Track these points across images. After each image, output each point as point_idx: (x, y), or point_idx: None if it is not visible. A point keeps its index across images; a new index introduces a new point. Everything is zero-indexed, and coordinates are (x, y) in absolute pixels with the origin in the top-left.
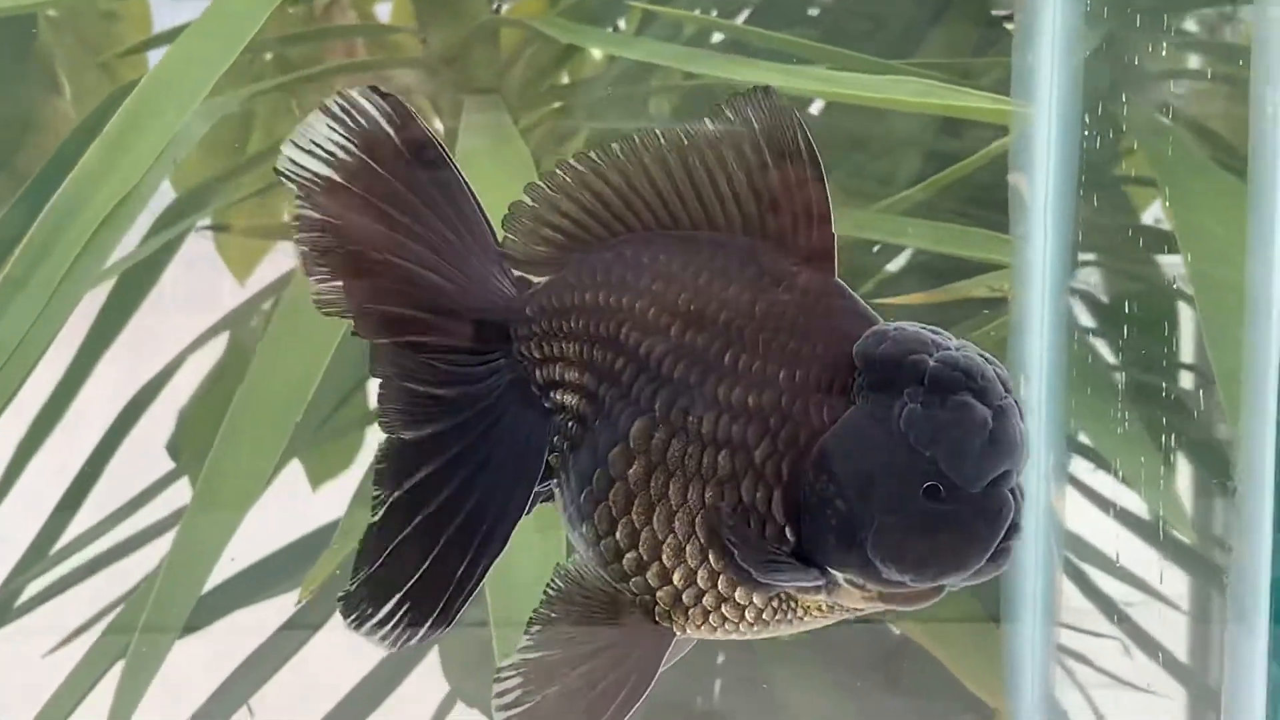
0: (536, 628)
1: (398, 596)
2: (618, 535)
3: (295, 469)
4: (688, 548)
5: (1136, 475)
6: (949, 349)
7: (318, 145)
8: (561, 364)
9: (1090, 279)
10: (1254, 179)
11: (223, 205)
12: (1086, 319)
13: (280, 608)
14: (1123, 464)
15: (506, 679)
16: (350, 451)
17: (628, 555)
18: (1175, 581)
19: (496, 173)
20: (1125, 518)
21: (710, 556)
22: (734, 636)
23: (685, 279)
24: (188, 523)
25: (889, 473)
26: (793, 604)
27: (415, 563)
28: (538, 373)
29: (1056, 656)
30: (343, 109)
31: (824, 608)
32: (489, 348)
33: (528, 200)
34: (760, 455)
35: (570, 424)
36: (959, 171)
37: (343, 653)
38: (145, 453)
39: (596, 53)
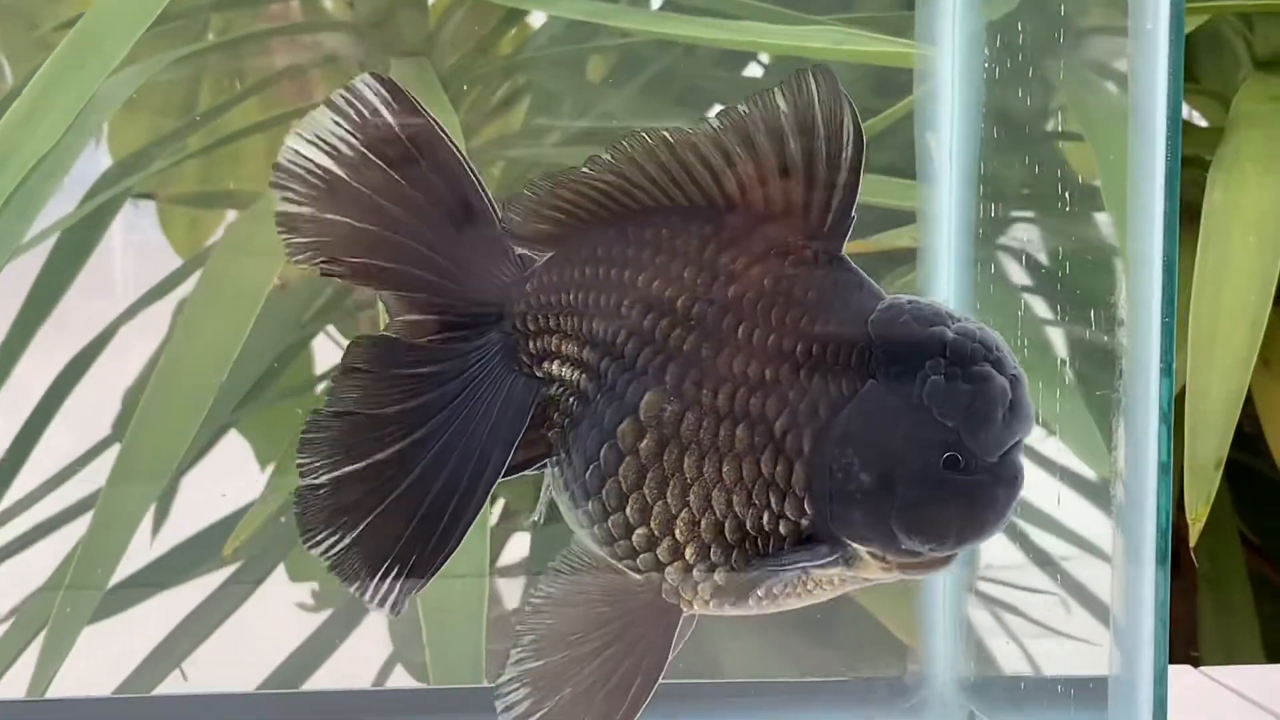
0: (530, 637)
1: (388, 561)
2: (628, 510)
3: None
4: (702, 521)
5: (1063, 428)
6: (962, 322)
7: (321, 139)
8: (558, 336)
9: (1026, 236)
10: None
11: (161, 173)
12: (1023, 277)
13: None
14: (1050, 418)
15: (510, 692)
16: (290, 420)
17: (638, 531)
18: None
19: None
20: (1061, 473)
21: (726, 532)
22: (742, 612)
23: (690, 253)
24: (106, 495)
25: (913, 444)
26: (804, 578)
27: (400, 527)
28: (530, 344)
29: (968, 593)
30: (346, 100)
31: (836, 580)
32: (483, 324)
33: (529, 186)
34: (780, 428)
35: (570, 399)
36: (879, 123)
37: (281, 615)
38: (92, 432)
39: (529, 15)
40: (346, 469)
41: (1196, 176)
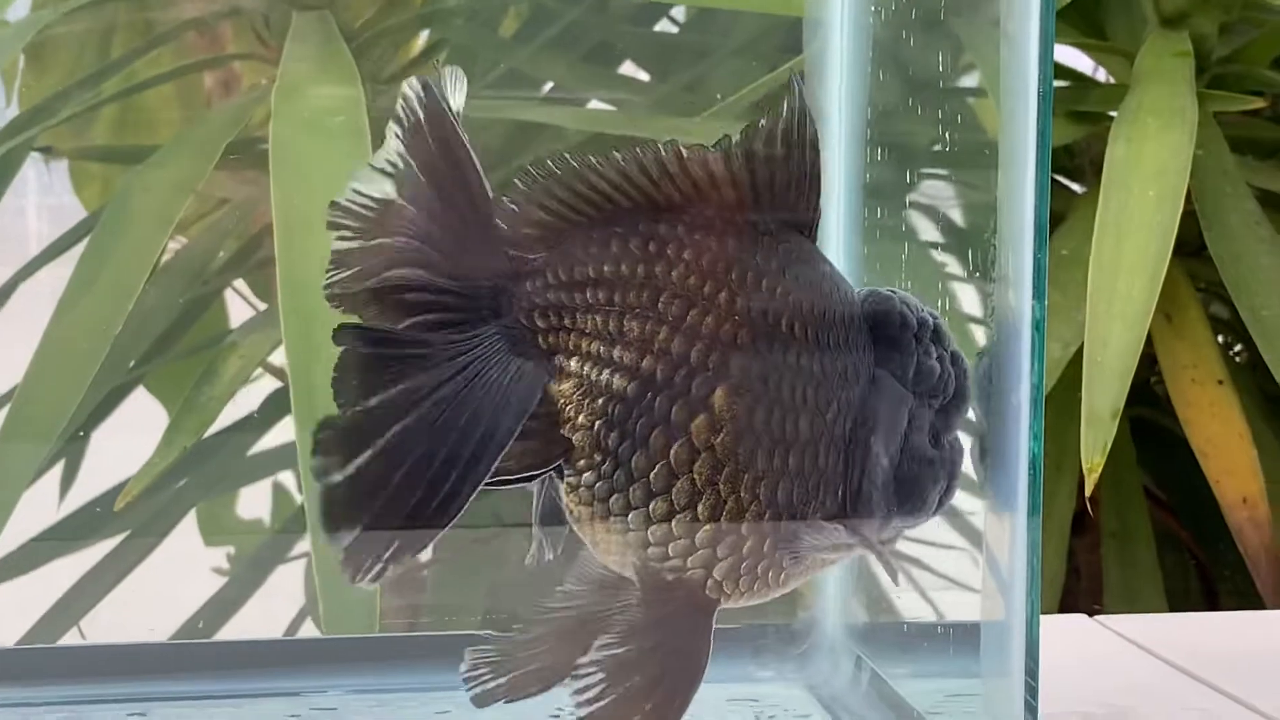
0: (616, 630)
1: (393, 544)
2: (699, 507)
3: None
4: (767, 514)
5: None
6: (927, 307)
7: (391, 163)
8: (577, 334)
9: (932, 193)
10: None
11: (71, 132)
12: (932, 233)
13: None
14: None
15: (588, 675)
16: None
17: (704, 530)
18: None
19: (322, 92)
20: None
21: (782, 523)
22: (762, 599)
23: (713, 248)
24: None
25: (914, 425)
26: (816, 559)
27: (402, 510)
28: (541, 340)
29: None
30: (405, 110)
31: (827, 560)
32: (478, 316)
33: (522, 180)
34: (831, 417)
35: (602, 399)
36: (769, 83)
37: (181, 571)
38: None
39: None
40: (358, 461)
41: (1101, 132)
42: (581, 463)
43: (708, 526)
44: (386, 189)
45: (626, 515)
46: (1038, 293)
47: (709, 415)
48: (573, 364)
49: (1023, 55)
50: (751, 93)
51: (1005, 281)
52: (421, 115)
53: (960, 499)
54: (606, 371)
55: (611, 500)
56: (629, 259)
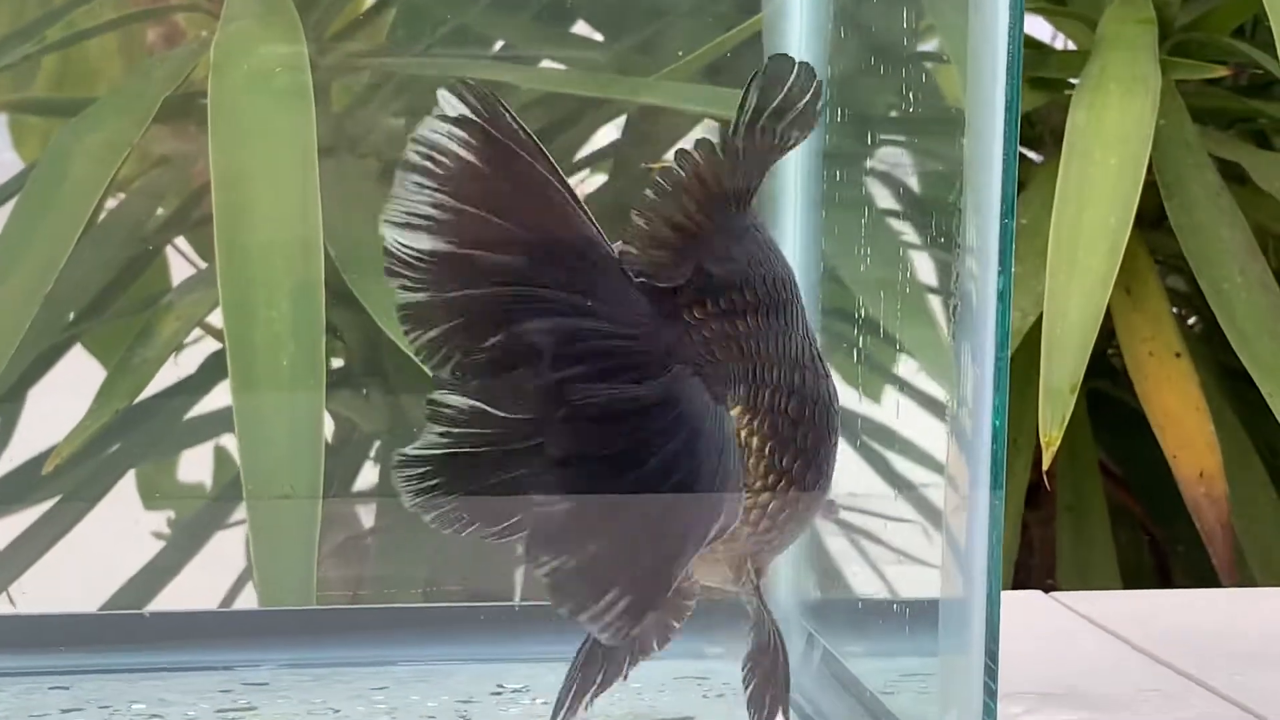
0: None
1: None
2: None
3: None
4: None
5: (917, 349)
6: None
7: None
8: (746, 360)
9: (893, 160)
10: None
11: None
12: (888, 201)
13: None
14: (898, 333)
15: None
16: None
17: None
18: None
19: (264, 48)
20: (920, 398)
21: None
22: None
23: (771, 244)
24: None
25: None
26: None
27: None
28: (714, 371)
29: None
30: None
31: None
32: (659, 359)
33: (641, 208)
34: (835, 404)
35: (776, 423)
36: (728, 42)
37: (117, 535)
38: None
39: None
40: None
41: (1061, 100)
42: (758, 484)
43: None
44: (437, 241)
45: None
46: (1003, 265)
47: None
48: (741, 390)
49: (990, 18)
50: (709, 52)
51: (969, 252)
52: (484, 141)
53: (918, 472)
54: (768, 392)
55: (782, 517)
56: (755, 272)
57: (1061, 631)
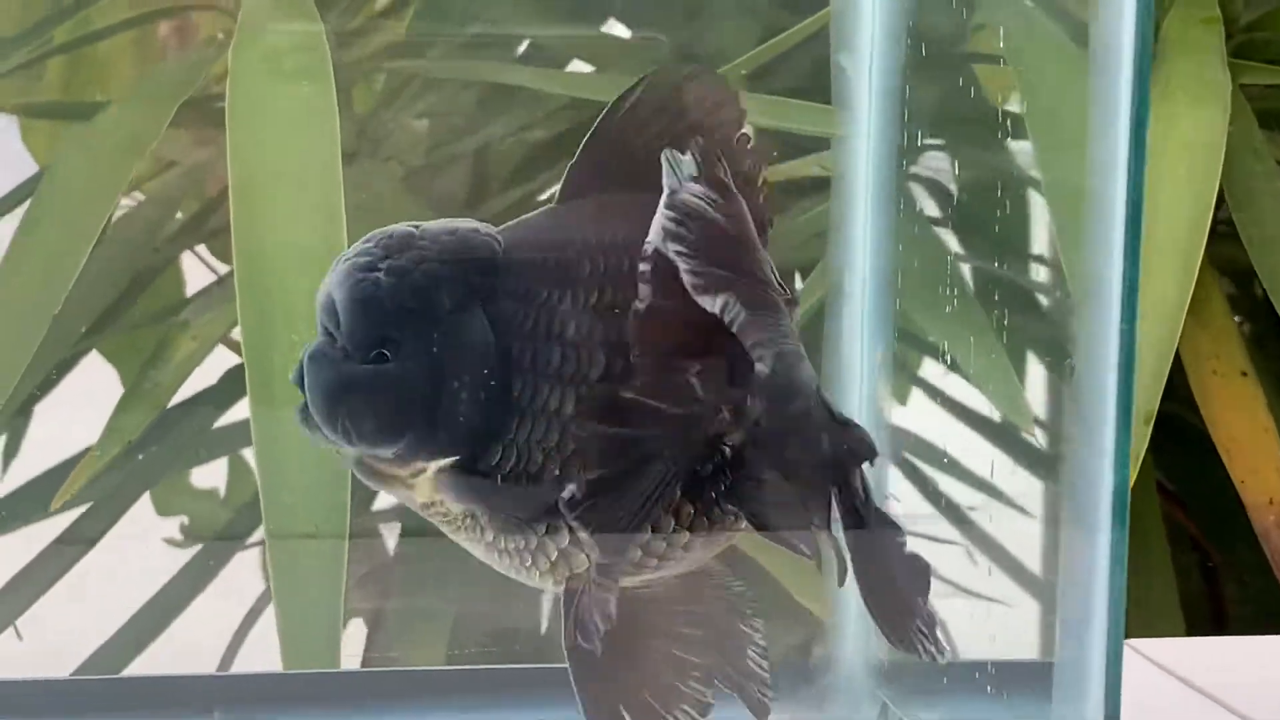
0: None
1: None
2: None
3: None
4: None
5: (981, 372)
6: None
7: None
8: None
9: (936, 164)
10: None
11: (22, 82)
12: (932, 208)
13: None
14: (962, 358)
15: None
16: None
17: None
18: (1021, 484)
19: (284, 45)
20: (970, 417)
21: None
22: None
23: None
24: None
25: None
26: None
27: None
28: None
29: None
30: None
31: None
32: None
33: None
34: None
35: None
36: (785, 42)
37: (127, 567)
38: None
39: None
40: None
41: None
42: None
43: None
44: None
45: None
46: (1127, 312)
47: None
48: None
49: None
50: (756, 57)
51: (1089, 295)
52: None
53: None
54: None
55: None
56: None
57: (1137, 684)
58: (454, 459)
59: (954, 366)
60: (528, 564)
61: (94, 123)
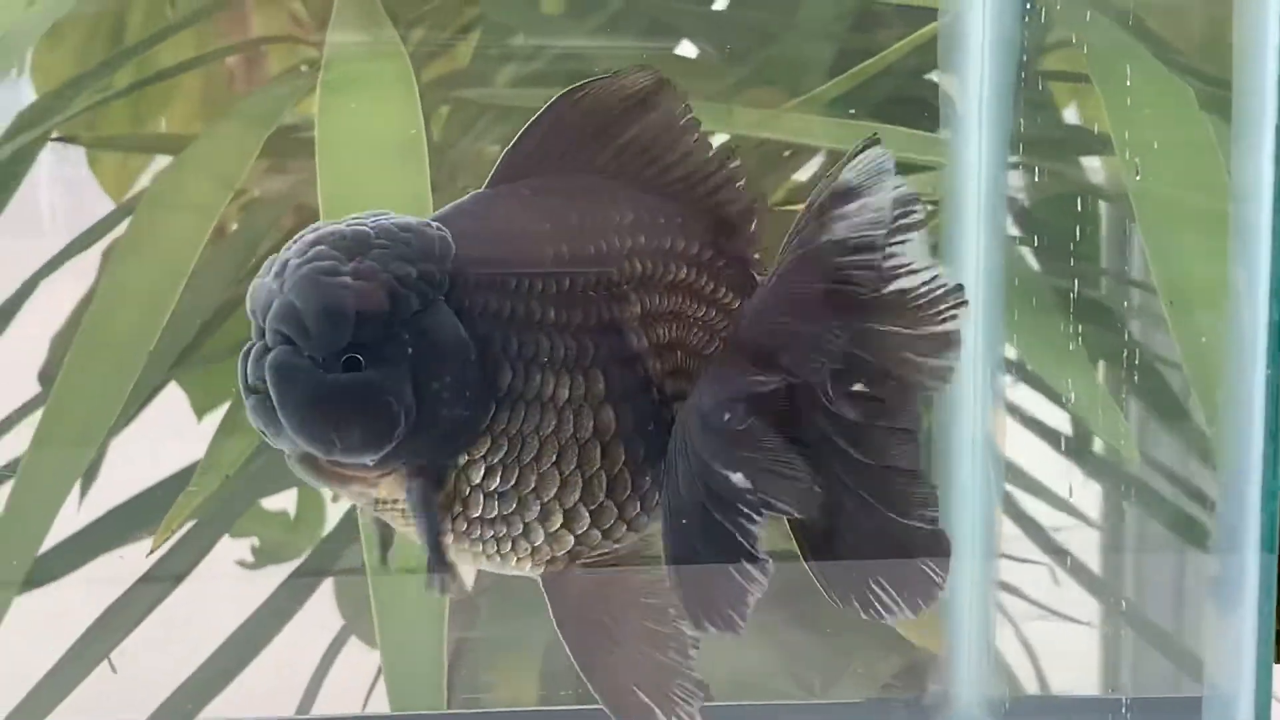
0: None
1: None
2: None
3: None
4: None
5: (1075, 394)
6: None
7: None
8: None
9: (1020, 183)
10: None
11: (86, 113)
12: (1012, 228)
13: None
14: (1059, 381)
15: None
16: (231, 378)
17: None
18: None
19: (370, 84)
20: (1056, 439)
21: None
22: None
23: None
24: (30, 460)
25: None
26: None
27: None
28: None
29: (995, 596)
30: None
31: None
32: None
33: None
34: None
35: None
36: (877, 64)
37: (213, 599)
38: (14, 383)
39: None
40: None
41: None
42: None
43: None
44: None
45: None
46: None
47: None
48: None
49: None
50: (848, 80)
51: (1229, 322)
52: None
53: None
54: None
55: None
56: None
57: None
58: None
59: (1061, 397)
60: (505, 551)
61: (183, 157)
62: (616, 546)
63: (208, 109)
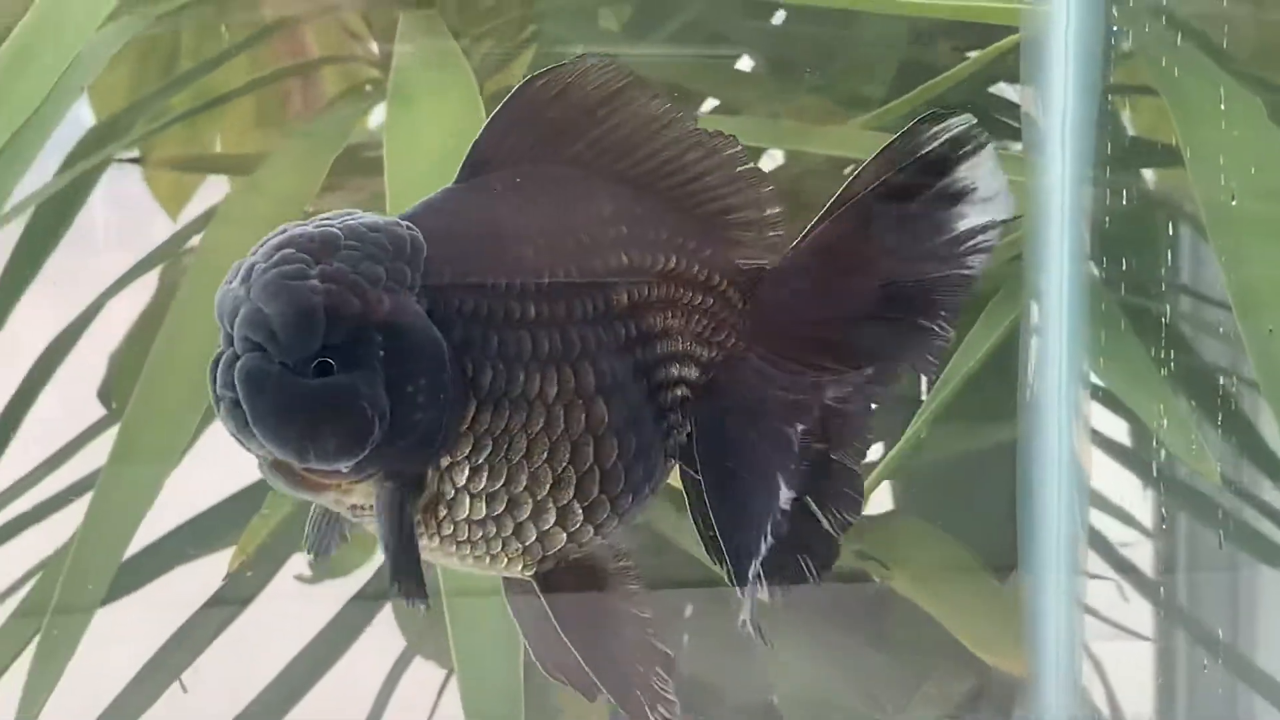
0: None
1: None
2: None
3: None
4: None
5: (1152, 415)
6: None
7: None
8: None
9: (1102, 201)
10: None
11: (148, 136)
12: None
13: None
14: (1146, 408)
15: None
16: None
17: None
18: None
19: (438, 102)
20: (1120, 452)
21: None
22: None
23: None
24: (106, 480)
25: None
26: None
27: None
28: None
29: (1081, 620)
30: None
31: None
32: None
33: None
34: None
35: None
36: (953, 78)
37: (281, 620)
38: (74, 401)
39: None
40: None
41: None
42: None
43: None
44: None
45: None
46: None
47: None
48: None
49: None
50: (915, 98)
51: None
52: None
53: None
54: None
55: None
56: None
57: None
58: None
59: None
60: (495, 551)
61: (255, 177)
62: (605, 543)
63: (263, 127)
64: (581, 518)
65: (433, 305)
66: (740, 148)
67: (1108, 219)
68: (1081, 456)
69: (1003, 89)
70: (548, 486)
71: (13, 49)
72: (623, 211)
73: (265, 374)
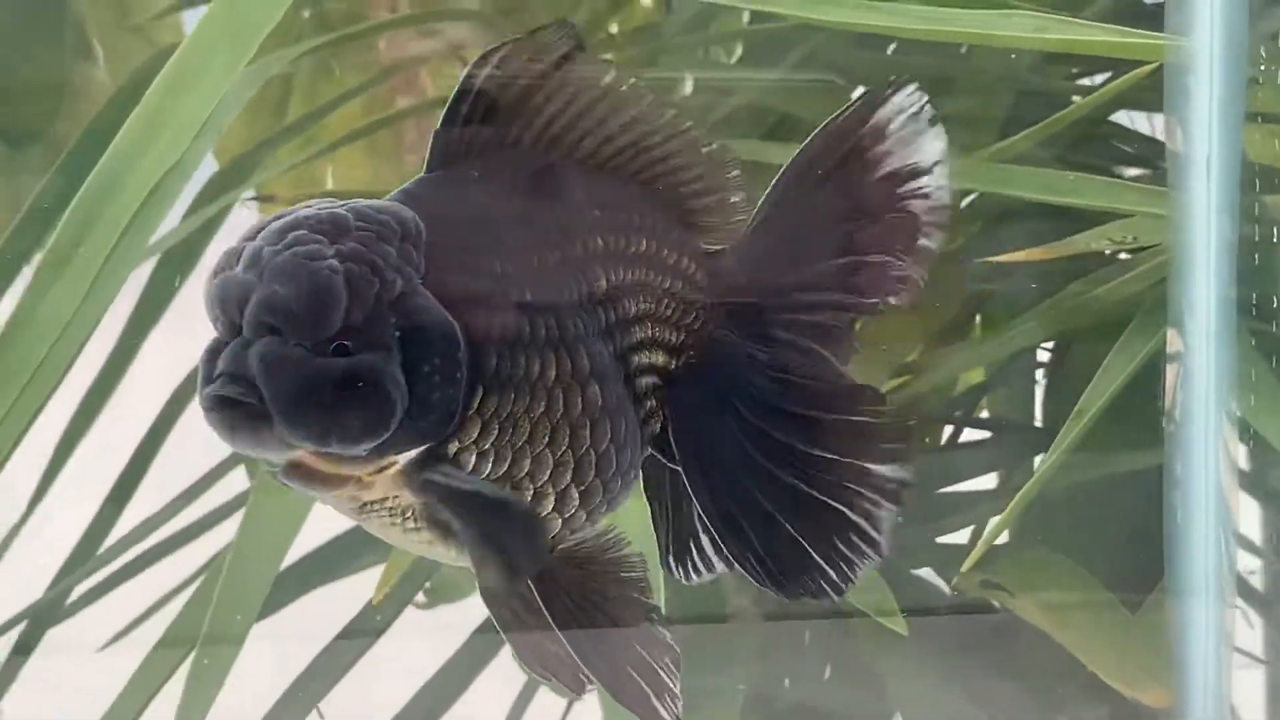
0: None
1: None
2: None
3: None
4: None
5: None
6: None
7: None
8: None
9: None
10: None
11: (266, 175)
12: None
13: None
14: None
15: None
16: None
17: None
18: None
19: None
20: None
21: None
22: None
23: None
24: (252, 511)
25: None
26: None
27: None
28: None
29: (1230, 653)
30: None
31: None
32: None
33: None
34: None
35: None
36: (1078, 111)
37: (410, 653)
38: (200, 438)
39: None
40: None
41: None
42: None
43: None
44: None
45: None
46: None
47: None
48: None
49: None
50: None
51: None
52: None
53: None
54: None
55: None
56: None
57: None
58: (426, 447)
59: None
60: None
61: None
62: (595, 529)
63: (374, 158)
64: (577, 502)
65: (436, 288)
66: (702, 130)
67: (1256, 255)
68: (1228, 494)
69: (1119, 117)
70: (548, 470)
71: (156, 98)
72: (595, 195)
73: (285, 356)
